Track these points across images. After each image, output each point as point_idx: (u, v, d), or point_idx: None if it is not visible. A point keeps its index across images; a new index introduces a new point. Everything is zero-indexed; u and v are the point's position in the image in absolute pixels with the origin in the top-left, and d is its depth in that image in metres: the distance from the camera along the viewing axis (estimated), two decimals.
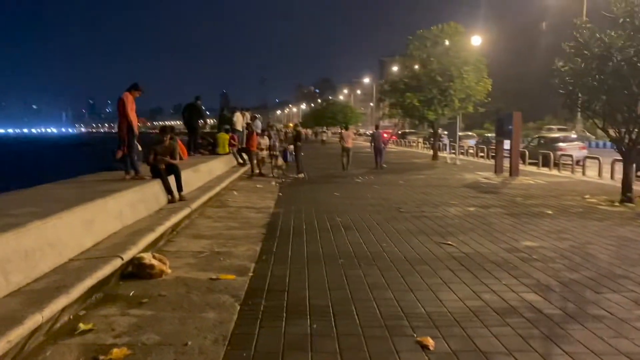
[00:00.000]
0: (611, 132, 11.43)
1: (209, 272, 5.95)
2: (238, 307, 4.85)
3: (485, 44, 30.67)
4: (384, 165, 21.38)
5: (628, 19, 10.05)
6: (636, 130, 10.95)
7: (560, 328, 4.24)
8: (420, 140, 43.54)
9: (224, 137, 17.61)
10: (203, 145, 17.71)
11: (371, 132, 28.51)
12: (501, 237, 7.67)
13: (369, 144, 26.57)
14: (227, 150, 17.48)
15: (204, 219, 9.23)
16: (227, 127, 18.72)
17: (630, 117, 10.81)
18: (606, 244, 7.20)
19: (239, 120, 19.04)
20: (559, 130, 35.96)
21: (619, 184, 11.25)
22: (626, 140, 11.13)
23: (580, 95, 10.90)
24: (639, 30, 9.84)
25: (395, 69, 27.34)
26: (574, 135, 27.87)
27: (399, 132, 53.93)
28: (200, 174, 12.11)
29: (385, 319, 4.50)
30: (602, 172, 15.94)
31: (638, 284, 5.35)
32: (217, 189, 11.72)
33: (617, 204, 10.62)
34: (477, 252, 6.83)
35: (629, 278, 5.56)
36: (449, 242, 7.36)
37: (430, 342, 3.96)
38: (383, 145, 23.17)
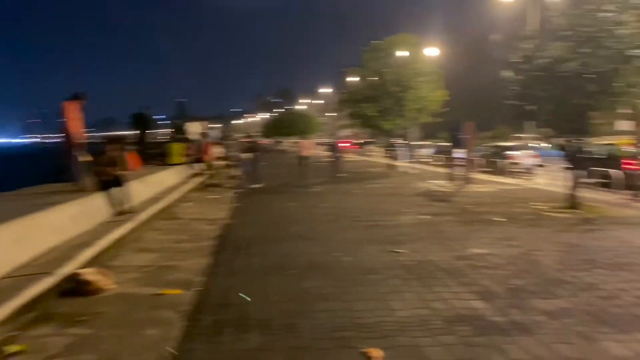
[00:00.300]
0: (559, 140, 11.79)
1: (154, 287, 5.74)
2: (182, 323, 4.68)
3: (443, 55, 31.33)
4: (342, 174, 21.42)
5: (570, 32, 10.43)
6: (582, 138, 11.34)
7: (506, 335, 4.27)
8: (379, 149, 43.99)
9: (176, 147, 17.27)
10: (154, 156, 17.30)
11: (330, 141, 28.65)
12: (452, 245, 7.73)
13: (327, 153, 26.65)
14: (181, 160, 17.13)
15: (152, 232, 8.95)
16: (183, 136, 18.40)
17: (576, 126, 11.17)
18: (552, 250, 7.37)
19: (193, 129, 18.75)
20: (533, 139, 36.61)
21: (567, 191, 11.59)
22: (572, 149, 11.49)
23: (528, 105, 11.20)
24: (580, 43, 10.21)
25: (352, 79, 27.54)
26: (528, 144, 28.62)
27: (363, 142, 54.46)
28: (150, 185, 11.79)
29: (333, 331, 4.42)
30: (551, 179, 16.43)
31: (580, 289, 5.46)
32: (168, 200, 11.44)
33: (563, 210, 10.92)
34: (428, 260, 6.85)
35: (572, 283, 5.68)
36: (401, 250, 7.37)
37: (375, 353, 3.90)
38: (341, 154, 23.28)
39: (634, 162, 14.96)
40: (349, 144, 53.46)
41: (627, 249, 7.37)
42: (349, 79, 28.44)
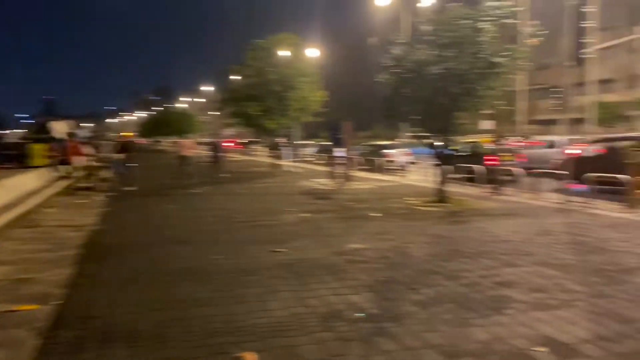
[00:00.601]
0: (428, 139, 12.53)
1: (4, 304, 5.12)
2: (37, 342, 4.20)
3: (324, 56, 31.99)
4: (225, 175, 21.04)
5: (435, 37, 11.12)
6: (449, 137, 12.18)
7: (379, 327, 4.37)
8: (264, 149, 43.93)
9: (38, 148, 15.74)
10: (12, 157, 15.61)
11: (212, 141, 28.05)
12: (331, 241, 7.85)
13: (209, 153, 25.99)
14: (44, 162, 15.64)
15: (6, 242, 8.03)
16: (47, 136, 16.84)
17: (443, 125, 11.94)
18: (422, 242, 7.78)
19: (58, 129, 17.21)
20: (425, 139, 38.30)
21: (437, 186, 12.35)
22: (441, 147, 12.30)
23: (398, 105, 11.77)
24: (444, 47, 10.92)
25: (235, 78, 27.08)
26: (404, 143, 30.21)
27: (247, 141, 53.88)
28: (6, 190, 10.60)
29: (208, 337, 4.23)
30: (423, 175, 17.47)
31: (447, 278, 5.79)
32: (28, 206, 10.36)
33: (433, 204, 11.63)
34: (307, 257, 6.88)
35: (440, 273, 6.01)
36: (282, 250, 7.33)
37: (249, 357, 3.79)
38: (223, 154, 22.86)
39: (494, 158, 16.40)
40: (233, 144, 52.76)
41: (488, 238, 7.99)
42: (231, 77, 27.91)
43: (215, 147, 23.79)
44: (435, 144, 12.50)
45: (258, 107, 23.44)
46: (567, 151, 17.27)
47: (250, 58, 25.22)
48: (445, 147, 12.35)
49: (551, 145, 21.78)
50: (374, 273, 6.07)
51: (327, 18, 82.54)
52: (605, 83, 43.42)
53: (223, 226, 9.56)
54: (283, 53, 24.53)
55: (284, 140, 30.87)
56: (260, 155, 42.86)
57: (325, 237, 8.20)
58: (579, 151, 16.40)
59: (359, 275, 5.97)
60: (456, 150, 17.39)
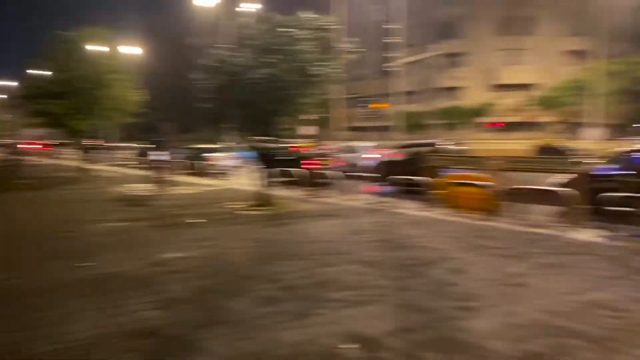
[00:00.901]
0: (251, 143, 12.53)
1: None
2: None
3: (144, 55, 30.21)
4: (26, 181, 18.62)
5: (257, 43, 11.17)
6: (272, 141, 12.33)
7: (191, 341, 4.15)
8: (75, 151, 40.04)
9: None
10: None
11: (10, 142, 24.78)
12: (146, 252, 7.33)
13: (7, 156, 22.80)
14: None
15: None
16: None
17: (265, 129, 12.05)
18: (244, 247, 7.70)
19: None
20: (271, 141, 37.79)
21: (261, 190, 12.41)
22: (265, 150, 12.40)
23: (218, 108, 11.58)
24: (264, 53, 11.01)
25: (36, 73, 24.05)
26: (230, 146, 29.95)
27: (56, 143, 48.49)
28: None
29: None
30: (249, 179, 17.49)
31: (267, 281, 5.78)
32: None
33: (257, 208, 11.67)
34: (117, 271, 6.31)
35: (260, 277, 5.97)
36: (88, 264, 6.63)
37: None
38: (23, 157, 20.23)
39: (314, 162, 17.12)
40: (37, 146, 47.21)
41: (306, 239, 8.21)
42: (31, 71, 24.75)
43: (13, 150, 20.93)
44: (258, 147, 12.56)
45: (62, 105, 21.10)
46: (366, 156, 19.10)
47: (55, 52, 22.66)
48: (269, 150, 12.46)
49: (351, 150, 23.52)
50: (191, 282, 5.79)
51: (148, 16, 78.64)
52: (409, 94, 48.53)
53: (16, 240, 8.38)
54: (92, 48, 22.51)
55: (97, 142, 28.43)
56: (70, 158, 38.99)
57: (140, 248, 7.64)
58: (378, 155, 18.19)
59: (173, 287, 5.64)
60: (280, 154, 17.77)
